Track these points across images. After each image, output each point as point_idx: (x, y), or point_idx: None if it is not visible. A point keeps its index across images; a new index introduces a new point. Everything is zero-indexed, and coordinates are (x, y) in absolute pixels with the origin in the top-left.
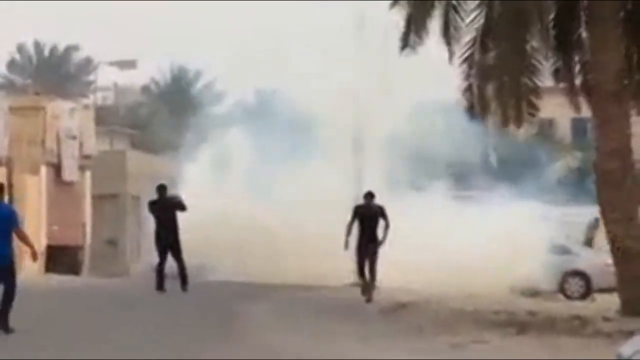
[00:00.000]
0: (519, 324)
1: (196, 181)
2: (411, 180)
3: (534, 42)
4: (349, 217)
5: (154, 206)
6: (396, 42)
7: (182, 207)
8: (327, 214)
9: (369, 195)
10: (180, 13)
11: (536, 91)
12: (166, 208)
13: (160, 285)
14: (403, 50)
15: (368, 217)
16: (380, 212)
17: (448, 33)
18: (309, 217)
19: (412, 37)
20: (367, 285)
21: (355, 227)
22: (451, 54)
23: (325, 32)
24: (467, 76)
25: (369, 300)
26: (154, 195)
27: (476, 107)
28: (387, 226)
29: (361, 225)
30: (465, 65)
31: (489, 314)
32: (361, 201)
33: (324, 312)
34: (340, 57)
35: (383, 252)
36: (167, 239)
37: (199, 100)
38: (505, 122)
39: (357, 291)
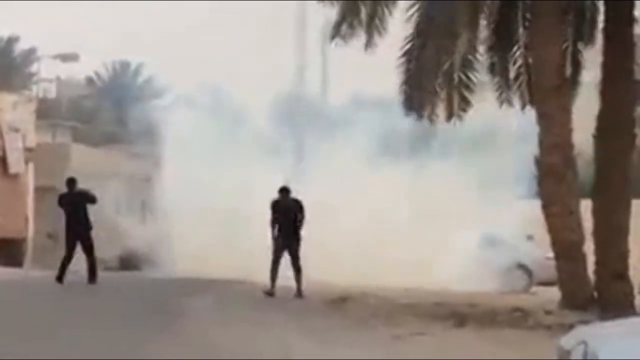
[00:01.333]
0: (459, 316)
1: (140, 174)
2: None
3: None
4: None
5: (63, 199)
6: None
7: (93, 200)
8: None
9: (284, 191)
10: (120, 6)
11: (469, 86)
12: (76, 201)
13: (60, 278)
14: (333, 39)
15: (285, 212)
16: (298, 207)
17: (371, 25)
18: (249, 212)
19: (344, 28)
20: (273, 282)
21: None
22: (369, 45)
23: (267, 28)
24: (406, 70)
25: (299, 294)
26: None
27: (414, 101)
28: (301, 219)
29: (277, 221)
30: (404, 59)
31: (429, 306)
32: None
33: (265, 305)
34: (282, 53)
35: (325, 246)
36: (77, 233)
37: (141, 93)
38: (449, 116)
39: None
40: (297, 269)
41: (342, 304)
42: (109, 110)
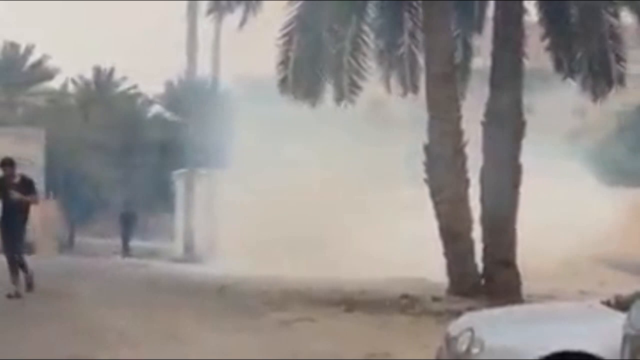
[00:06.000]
0: (348, 303)
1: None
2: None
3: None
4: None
5: None
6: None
7: None
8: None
9: (7, 164)
10: None
11: (358, 71)
12: None
13: None
14: (209, 14)
15: (6, 193)
16: (28, 185)
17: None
18: None
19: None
20: (15, 274)
21: None
22: (243, 23)
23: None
24: (286, 51)
25: (18, 295)
26: None
27: (289, 81)
28: (33, 202)
29: (3, 201)
30: (284, 40)
31: (318, 293)
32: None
33: (157, 289)
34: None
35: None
36: None
37: (31, 76)
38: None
39: (191, 268)
40: (23, 264)
41: (232, 289)
42: None
